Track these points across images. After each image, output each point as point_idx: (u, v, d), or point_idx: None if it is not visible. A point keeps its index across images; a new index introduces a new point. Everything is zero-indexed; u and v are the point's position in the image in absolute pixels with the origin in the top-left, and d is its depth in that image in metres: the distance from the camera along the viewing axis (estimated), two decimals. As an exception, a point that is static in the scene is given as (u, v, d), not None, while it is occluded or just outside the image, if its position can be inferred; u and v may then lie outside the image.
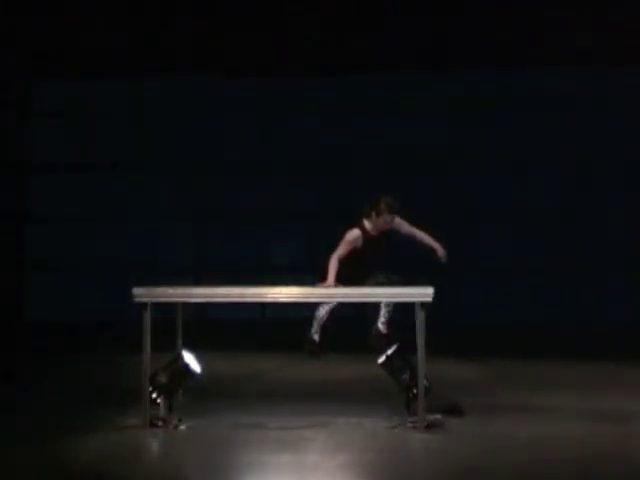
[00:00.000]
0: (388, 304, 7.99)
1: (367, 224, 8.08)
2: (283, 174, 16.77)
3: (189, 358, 7.83)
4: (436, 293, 7.45)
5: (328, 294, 7.93)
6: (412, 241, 8.19)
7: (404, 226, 8.17)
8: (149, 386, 7.56)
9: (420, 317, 7.49)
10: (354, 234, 8.05)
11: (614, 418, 7.88)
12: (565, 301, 15.93)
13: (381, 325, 8.03)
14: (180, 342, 8.02)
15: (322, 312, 8.18)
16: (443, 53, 15.65)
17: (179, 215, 16.88)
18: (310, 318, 8.26)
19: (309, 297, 7.99)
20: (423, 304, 7.46)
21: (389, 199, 8.07)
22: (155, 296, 7.71)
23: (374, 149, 16.54)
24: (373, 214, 8.05)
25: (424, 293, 7.48)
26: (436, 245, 8.14)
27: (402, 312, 7.77)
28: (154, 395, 7.58)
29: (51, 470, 6.36)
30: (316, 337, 8.20)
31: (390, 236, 8.14)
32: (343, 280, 7.90)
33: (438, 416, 7.76)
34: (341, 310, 8.28)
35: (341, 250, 7.98)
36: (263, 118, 16.97)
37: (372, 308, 8.13)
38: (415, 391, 7.54)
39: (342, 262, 7.93)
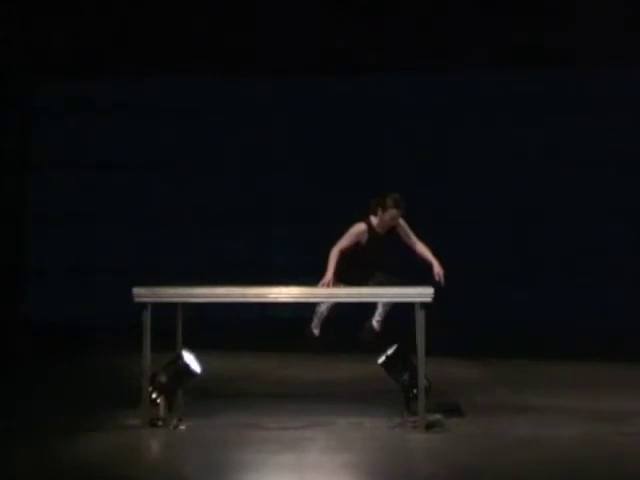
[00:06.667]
0: (386, 304, 7.98)
1: (374, 220, 8.07)
2: (283, 174, 16.76)
3: (189, 358, 7.83)
4: (436, 293, 7.45)
5: (329, 294, 7.93)
6: (411, 251, 8.15)
7: (407, 232, 8.15)
8: (149, 386, 7.57)
9: (420, 317, 7.49)
10: (359, 228, 8.03)
11: (614, 418, 7.89)
12: (565, 301, 15.91)
13: (376, 323, 8.02)
14: (180, 342, 8.03)
15: (322, 308, 8.18)
16: (442, 53, 15.65)
17: (179, 215, 16.87)
18: (309, 318, 8.26)
19: (309, 297, 7.99)
20: (423, 304, 7.47)
21: (396, 195, 8.06)
22: (155, 296, 7.72)
23: (374, 149, 16.53)
24: (379, 210, 8.03)
25: (424, 293, 7.49)
26: (435, 262, 8.02)
27: (402, 312, 7.77)
28: (154, 395, 7.59)
29: (51, 470, 6.37)
30: (316, 331, 8.20)
31: (395, 235, 8.12)
32: (345, 279, 7.90)
33: (438, 416, 7.78)
34: (341, 309, 8.28)
35: (344, 242, 7.97)
36: (263, 118, 16.96)
37: (372, 308, 8.13)
38: (415, 391, 7.54)
39: (345, 259, 7.92)
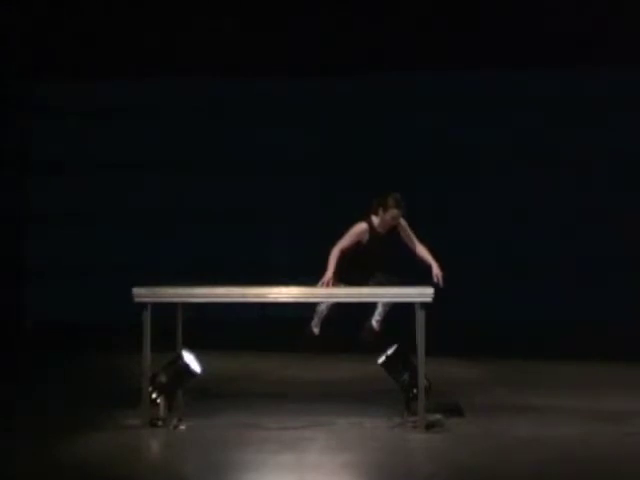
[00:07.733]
0: (386, 304, 7.98)
1: (375, 220, 8.07)
2: (283, 174, 16.75)
3: (189, 358, 7.83)
4: (436, 293, 7.45)
5: (328, 294, 7.93)
6: (411, 252, 8.15)
7: (407, 232, 8.15)
8: (149, 386, 7.56)
9: (420, 317, 7.49)
10: (361, 227, 8.03)
11: (614, 418, 7.89)
12: (565, 301, 15.91)
13: (375, 322, 8.02)
14: (180, 342, 8.03)
15: (322, 306, 8.18)
16: (442, 53, 15.65)
17: (179, 215, 16.86)
18: (310, 318, 8.26)
19: (309, 297, 7.99)
20: (423, 304, 7.47)
21: (397, 195, 8.06)
22: (155, 296, 7.71)
23: (374, 149, 16.53)
24: (380, 210, 8.03)
25: (424, 293, 7.49)
26: (434, 264, 8.02)
27: (402, 312, 7.77)
28: (154, 395, 7.59)
29: (51, 470, 6.37)
30: (316, 330, 8.20)
31: (395, 235, 8.13)
32: (345, 279, 7.90)
33: (438, 416, 7.78)
34: (341, 309, 8.27)
35: (345, 242, 7.96)
36: (263, 118, 16.95)
37: (372, 308, 8.13)
38: (415, 391, 7.54)
39: (346, 259, 7.92)
